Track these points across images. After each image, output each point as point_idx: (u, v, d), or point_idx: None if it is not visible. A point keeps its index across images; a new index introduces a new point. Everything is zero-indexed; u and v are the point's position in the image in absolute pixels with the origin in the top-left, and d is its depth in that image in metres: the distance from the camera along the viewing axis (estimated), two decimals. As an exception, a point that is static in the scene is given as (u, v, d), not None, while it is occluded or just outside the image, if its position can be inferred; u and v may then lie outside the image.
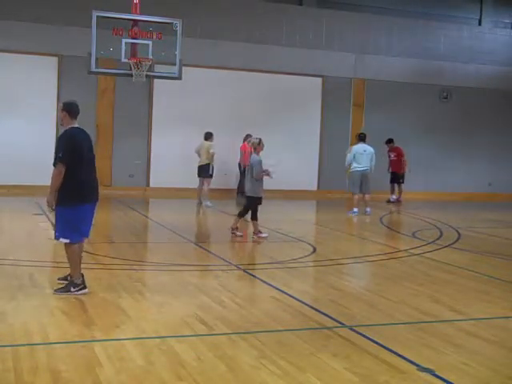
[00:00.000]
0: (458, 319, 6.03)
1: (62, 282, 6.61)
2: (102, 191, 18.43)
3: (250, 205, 10.55)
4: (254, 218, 10.53)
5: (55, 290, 6.38)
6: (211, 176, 15.50)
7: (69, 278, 6.48)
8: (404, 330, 5.57)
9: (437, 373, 4.50)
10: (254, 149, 10.46)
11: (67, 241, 6.35)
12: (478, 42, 21.60)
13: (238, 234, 10.56)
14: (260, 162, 10.35)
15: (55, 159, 6.25)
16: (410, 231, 12.23)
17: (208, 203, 15.14)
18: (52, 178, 6.25)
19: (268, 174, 10.43)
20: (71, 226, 6.34)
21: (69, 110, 6.48)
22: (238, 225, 10.66)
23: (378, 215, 14.92)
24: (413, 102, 20.68)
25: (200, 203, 15.38)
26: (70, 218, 6.32)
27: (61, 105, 6.63)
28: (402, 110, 20.58)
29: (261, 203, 10.61)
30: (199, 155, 15.54)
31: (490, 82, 21.40)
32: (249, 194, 10.59)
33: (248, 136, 18.28)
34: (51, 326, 5.28)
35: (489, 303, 6.73)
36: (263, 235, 10.44)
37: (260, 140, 10.48)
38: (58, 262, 7.82)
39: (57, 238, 6.42)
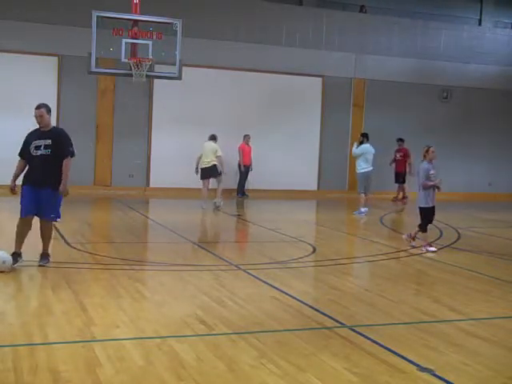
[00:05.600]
0: (458, 319, 6.03)
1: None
2: (102, 191, 18.48)
3: (422, 215, 10.02)
4: (423, 229, 10.03)
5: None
6: (220, 174, 15.03)
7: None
8: (404, 330, 5.57)
9: (437, 373, 4.50)
10: (424, 156, 9.99)
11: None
12: (478, 42, 21.60)
13: (412, 244, 10.04)
14: (425, 170, 9.87)
15: (67, 153, 7.48)
16: (410, 231, 12.20)
17: (203, 205, 14.70)
18: (67, 170, 7.48)
19: (437, 187, 9.92)
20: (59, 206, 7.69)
21: (50, 110, 7.62)
22: (415, 236, 10.12)
23: (378, 215, 14.92)
24: (413, 102, 20.68)
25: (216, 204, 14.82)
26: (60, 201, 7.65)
27: (43, 109, 7.51)
28: (402, 110, 20.58)
29: (431, 214, 10.01)
30: (204, 157, 14.79)
31: (490, 81, 21.40)
32: (419, 204, 10.08)
33: (247, 136, 18.34)
34: (51, 326, 5.28)
35: (489, 303, 6.73)
36: (431, 249, 9.87)
37: (428, 148, 9.98)
38: (58, 262, 7.83)
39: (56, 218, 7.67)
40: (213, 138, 15.21)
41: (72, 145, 7.65)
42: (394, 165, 18.73)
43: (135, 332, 5.23)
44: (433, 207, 9.99)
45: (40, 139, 7.53)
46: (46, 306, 5.95)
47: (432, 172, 9.90)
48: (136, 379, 4.22)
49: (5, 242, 7.91)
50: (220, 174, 15.00)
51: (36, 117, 7.57)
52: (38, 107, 7.59)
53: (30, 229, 7.62)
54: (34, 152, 7.51)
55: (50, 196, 7.47)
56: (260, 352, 4.79)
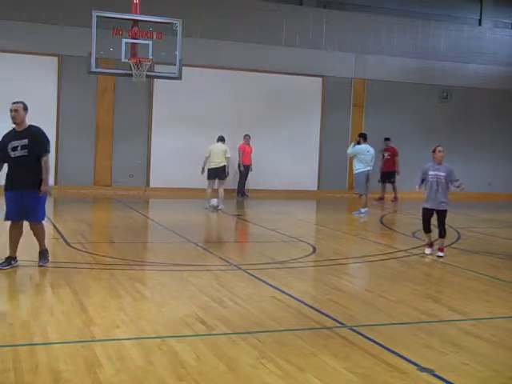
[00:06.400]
0: (457, 319, 6.03)
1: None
2: (102, 191, 18.47)
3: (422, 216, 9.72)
4: (424, 229, 9.70)
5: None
6: (226, 177, 15.09)
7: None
8: (404, 330, 5.57)
9: (437, 373, 4.50)
10: (433, 157, 9.58)
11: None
12: (478, 42, 21.61)
13: (427, 251, 9.64)
14: (421, 170, 9.57)
15: (44, 151, 7.38)
16: (409, 231, 12.23)
17: (207, 205, 14.64)
18: (47, 168, 7.42)
19: (420, 187, 9.50)
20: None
21: (27, 108, 7.42)
22: (431, 240, 9.69)
23: (378, 215, 14.92)
24: (413, 102, 20.69)
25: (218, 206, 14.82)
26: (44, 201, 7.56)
27: (20, 104, 7.35)
28: (402, 110, 20.59)
29: (424, 214, 9.55)
30: (214, 157, 14.71)
31: (489, 81, 21.41)
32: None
33: (247, 136, 18.34)
34: (51, 326, 5.28)
35: (489, 303, 6.73)
36: (428, 251, 9.62)
37: (435, 148, 9.53)
38: (58, 262, 7.83)
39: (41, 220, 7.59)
40: (221, 139, 15.16)
41: (49, 142, 7.56)
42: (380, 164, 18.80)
43: (135, 332, 5.23)
44: (430, 209, 9.56)
45: (16, 140, 7.36)
46: (46, 306, 5.95)
47: (431, 173, 9.46)
48: (136, 379, 4.22)
49: (3, 242, 7.90)
50: (227, 176, 14.99)
51: (11, 110, 7.35)
52: (16, 102, 7.44)
53: (20, 232, 7.55)
54: (11, 154, 7.35)
55: (32, 198, 7.34)
56: (260, 352, 4.79)
